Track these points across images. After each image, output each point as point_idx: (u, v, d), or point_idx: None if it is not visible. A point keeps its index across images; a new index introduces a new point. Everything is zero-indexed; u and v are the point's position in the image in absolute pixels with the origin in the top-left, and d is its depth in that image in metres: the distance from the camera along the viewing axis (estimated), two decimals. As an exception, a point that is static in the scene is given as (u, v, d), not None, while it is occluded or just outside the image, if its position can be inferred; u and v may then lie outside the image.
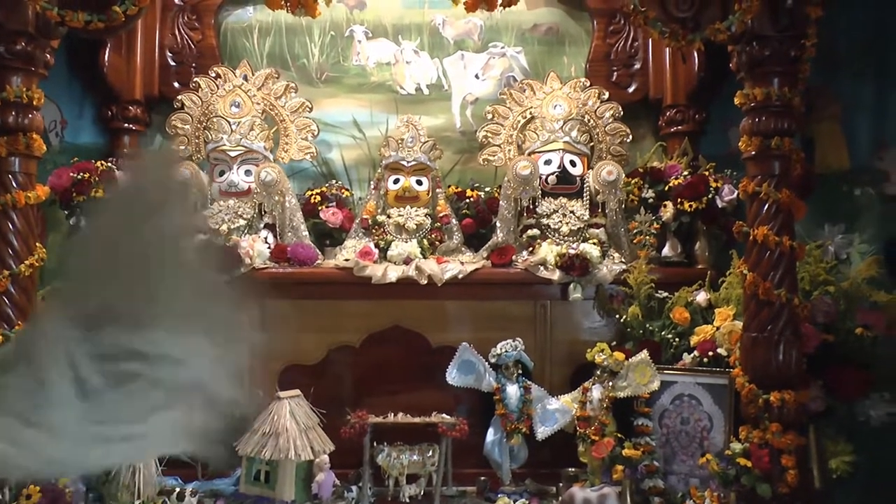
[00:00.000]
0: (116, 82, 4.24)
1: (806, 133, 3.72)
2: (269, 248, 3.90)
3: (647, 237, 3.95)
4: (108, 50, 4.18)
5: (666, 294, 3.74)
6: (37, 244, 3.17)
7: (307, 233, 4.05)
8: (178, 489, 3.51)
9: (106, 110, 4.30)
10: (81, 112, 4.34)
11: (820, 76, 3.54)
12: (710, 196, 3.88)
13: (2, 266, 3.05)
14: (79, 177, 3.86)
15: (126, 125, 4.31)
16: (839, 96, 3.88)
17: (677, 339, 3.64)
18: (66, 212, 3.97)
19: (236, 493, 3.58)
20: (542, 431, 3.63)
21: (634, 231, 3.99)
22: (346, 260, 3.89)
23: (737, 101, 3.20)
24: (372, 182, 4.25)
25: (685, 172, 4.02)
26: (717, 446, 3.35)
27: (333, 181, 4.35)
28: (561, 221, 3.99)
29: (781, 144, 3.08)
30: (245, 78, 4.20)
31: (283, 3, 3.41)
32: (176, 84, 4.38)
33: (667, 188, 4.00)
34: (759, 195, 3.09)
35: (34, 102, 3.10)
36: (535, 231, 3.96)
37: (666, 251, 4.01)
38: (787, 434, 2.98)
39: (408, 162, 4.08)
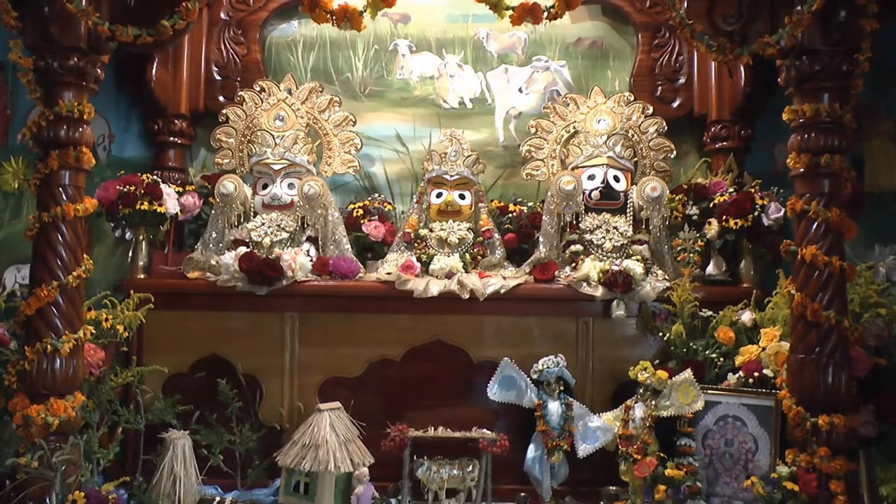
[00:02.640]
0: (163, 96, 4.31)
1: (855, 150, 3.64)
2: (311, 260, 3.92)
3: (692, 255, 3.91)
4: (155, 64, 4.24)
5: (710, 313, 3.70)
6: (84, 256, 3.22)
7: (349, 246, 4.07)
8: (217, 498, 3.54)
9: (152, 124, 4.36)
10: (128, 126, 4.42)
11: (871, 91, 3.46)
12: (755, 214, 3.83)
13: (51, 277, 3.09)
14: (125, 189, 3.92)
15: (171, 139, 4.37)
16: (891, 112, 3.80)
17: (721, 359, 3.58)
18: (111, 224, 4.04)
19: (275, 504, 3.60)
20: (583, 449, 3.59)
21: (678, 248, 3.95)
22: (388, 273, 3.90)
23: (785, 117, 3.15)
24: (414, 196, 4.27)
25: (730, 189, 3.99)
26: (763, 469, 3.30)
27: (376, 195, 4.37)
28: (604, 237, 3.96)
29: (831, 162, 3.01)
30: (289, 92, 4.24)
31: (328, 17, 3.43)
32: (221, 98, 4.44)
33: (711, 205, 3.96)
34: (807, 214, 3.03)
35: (85, 116, 3.15)
36: (578, 247, 3.94)
37: (710, 269, 3.97)
38: (837, 459, 2.91)
39: (451, 176, 4.08)
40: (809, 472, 2.95)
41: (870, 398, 3.16)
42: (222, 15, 4.49)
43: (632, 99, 4.21)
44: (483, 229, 4.09)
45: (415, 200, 4.23)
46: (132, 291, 3.69)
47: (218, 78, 4.48)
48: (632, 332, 3.86)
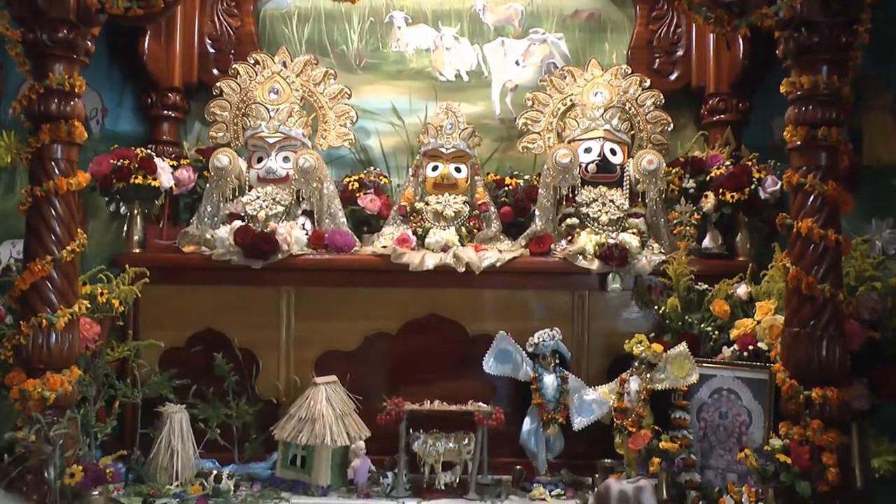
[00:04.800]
0: (156, 70, 4.26)
1: (854, 123, 3.61)
2: (306, 234, 3.91)
3: (688, 228, 3.90)
4: (147, 38, 4.19)
5: (706, 286, 3.70)
6: (78, 230, 3.21)
7: (345, 220, 4.05)
8: (215, 472, 3.55)
9: (146, 98, 4.32)
10: (122, 100, 4.36)
11: (870, 64, 3.43)
12: (752, 187, 3.82)
13: (45, 251, 3.09)
14: (118, 163, 3.89)
15: (165, 112, 4.33)
16: (890, 85, 3.76)
17: (717, 332, 3.60)
18: (105, 198, 4.02)
19: (272, 477, 3.63)
20: (578, 422, 3.61)
21: (675, 221, 3.94)
22: (384, 247, 3.90)
23: (783, 89, 3.11)
24: (410, 169, 4.24)
25: (727, 162, 3.97)
26: (756, 442, 3.31)
27: (371, 168, 4.34)
28: (600, 210, 3.95)
29: (829, 135, 2.99)
30: (284, 64, 4.21)
31: (323, -12, 3.41)
32: (215, 71, 4.40)
33: (708, 178, 3.95)
34: (803, 187, 3.01)
35: (76, 90, 3.12)
36: (574, 220, 3.92)
37: (706, 243, 3.96)
38: (829, 431, 2.92)
39: (447, 149, 4.06)
40: (802, 444, 2.95)
41: (863, 371, 3.15)
42: (215, -13, 4.44)
43: (629, 72, 4.18)
44: (479, 202, 4.07)
45: (411, 174, 4.20)
46: (127, 266, 3.69)
47: (211, 51, 4.43)
48: (627, 306, 3.87)
